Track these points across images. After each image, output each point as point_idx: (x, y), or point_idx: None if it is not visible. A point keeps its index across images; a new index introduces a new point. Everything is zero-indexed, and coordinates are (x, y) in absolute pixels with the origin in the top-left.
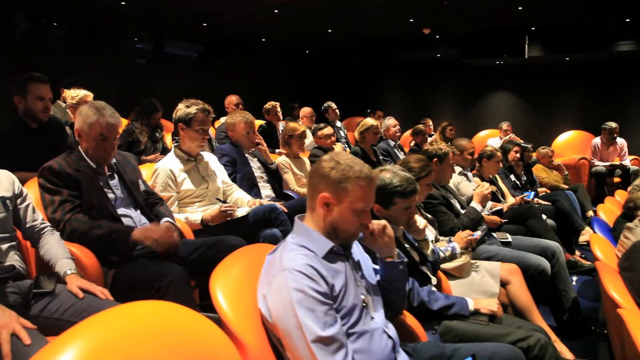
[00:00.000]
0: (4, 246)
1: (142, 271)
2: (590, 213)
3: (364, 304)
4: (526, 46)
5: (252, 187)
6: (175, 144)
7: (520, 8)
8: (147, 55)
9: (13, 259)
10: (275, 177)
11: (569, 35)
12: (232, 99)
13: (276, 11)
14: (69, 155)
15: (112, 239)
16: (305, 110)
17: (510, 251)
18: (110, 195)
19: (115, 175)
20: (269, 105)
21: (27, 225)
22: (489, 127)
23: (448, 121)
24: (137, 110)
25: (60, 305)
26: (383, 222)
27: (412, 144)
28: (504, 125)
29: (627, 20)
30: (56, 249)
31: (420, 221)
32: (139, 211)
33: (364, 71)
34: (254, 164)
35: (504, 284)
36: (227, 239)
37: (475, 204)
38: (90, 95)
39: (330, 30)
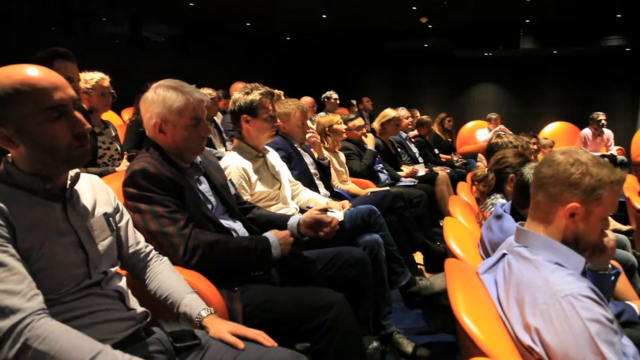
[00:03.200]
0: (122, 283)
1: (292, 301)
2: None
3: None
4: (520, 38)
5: (310, 185)
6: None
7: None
8: (122, 37)
9: (134, 301)
10: (327, 173)
11: (562, 28)
12: (239, 87)
13: None
14: (151, 154)
15: (253, 255)
16: (307, 100)
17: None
18: (207, 204)
19: (203, 178)
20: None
21: (130, 251)
22: (475, 118)
23: (446, 112)
24: (139, 97)
25: None
26: (613, 235)
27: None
28: (493, 116)
29: (618, 16)
30: (174, 281)
31: None
32: (239, 222)
33: (349, 60)
34: (307, 159)
35: None
36: (348, 250)
37: None
38: (106, 79)
39: (325, 16)
